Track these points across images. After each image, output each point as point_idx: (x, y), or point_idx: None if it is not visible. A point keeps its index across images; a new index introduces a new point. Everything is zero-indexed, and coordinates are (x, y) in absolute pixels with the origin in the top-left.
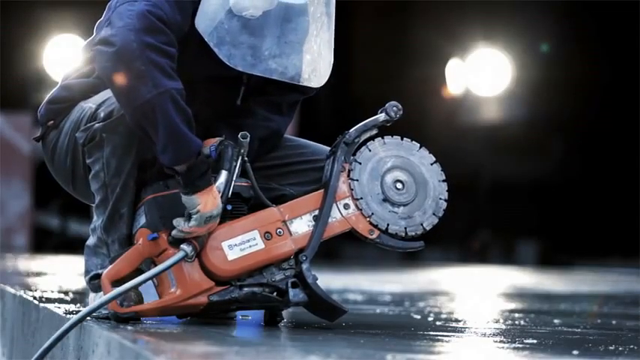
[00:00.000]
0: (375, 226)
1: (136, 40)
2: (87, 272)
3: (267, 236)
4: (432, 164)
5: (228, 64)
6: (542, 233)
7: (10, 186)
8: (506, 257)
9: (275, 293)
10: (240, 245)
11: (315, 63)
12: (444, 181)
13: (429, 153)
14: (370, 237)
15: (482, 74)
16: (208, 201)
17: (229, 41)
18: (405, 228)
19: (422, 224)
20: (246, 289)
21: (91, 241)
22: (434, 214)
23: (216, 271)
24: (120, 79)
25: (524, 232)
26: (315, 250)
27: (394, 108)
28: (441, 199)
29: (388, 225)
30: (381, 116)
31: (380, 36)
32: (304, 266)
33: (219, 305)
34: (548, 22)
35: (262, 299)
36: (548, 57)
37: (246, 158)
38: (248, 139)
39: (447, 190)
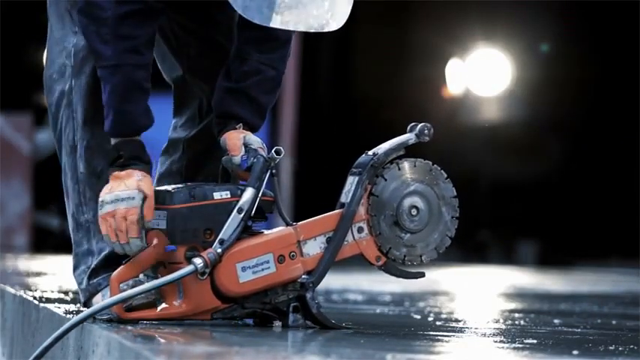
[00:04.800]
0: (379, 249)
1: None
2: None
3: (280, 260)
4: (451, 198)
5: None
6: (542, 233)
7: (10, 186)
8: (506, 257)
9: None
10: (253, 268)
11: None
12: (456, 218)
13: (453, 186)
14: (376, 264)
15: (482, 74)
16: (114, 185)
17: None
18: (405, 256)
19: (421, 256)
20: (248, 307)
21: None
22: (435, 249)
23: (225, 292)
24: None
25: (524, 232)
26: (323, 277)
27: (425, 130)
28: (447, 235)
29: (390, 248)
30: (412, 139)
31: (380, 36)
32: (308, 295)
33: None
34: (548, 22)
35: (262, 317)
36: (548, 57)
37: (274, 171)
38: (282, 155)
39: (455, 228)
